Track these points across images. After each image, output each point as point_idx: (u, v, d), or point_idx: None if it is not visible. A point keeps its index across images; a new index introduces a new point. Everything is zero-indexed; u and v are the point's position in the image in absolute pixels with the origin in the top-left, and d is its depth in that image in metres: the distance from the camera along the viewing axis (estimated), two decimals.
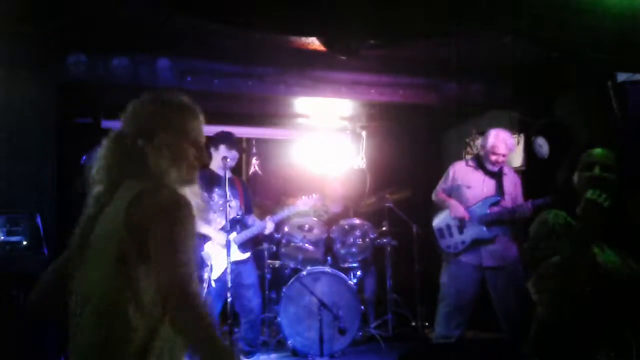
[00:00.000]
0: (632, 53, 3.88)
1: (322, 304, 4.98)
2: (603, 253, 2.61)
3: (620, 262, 2.60)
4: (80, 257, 1.70)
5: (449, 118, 6.32)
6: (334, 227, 5.60)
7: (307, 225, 5.55)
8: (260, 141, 7.05)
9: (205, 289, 4.36)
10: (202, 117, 1.85)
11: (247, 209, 4.82)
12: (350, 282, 5.24)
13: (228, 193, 4.33)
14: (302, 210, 5.16)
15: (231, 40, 4.58)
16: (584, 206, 2.59)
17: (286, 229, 5.47)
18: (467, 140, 6.44)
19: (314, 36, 4.42)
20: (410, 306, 5.93)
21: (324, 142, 6.97)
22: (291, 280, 5.12)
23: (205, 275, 4.38)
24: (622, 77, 4.49)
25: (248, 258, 4.71)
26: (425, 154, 6.72)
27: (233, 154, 4.59)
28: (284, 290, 5.10)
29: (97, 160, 1.75)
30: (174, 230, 1.60)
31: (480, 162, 4.61)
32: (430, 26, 3.93)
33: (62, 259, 1.82)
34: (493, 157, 4.48)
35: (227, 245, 4.26)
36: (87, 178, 1.78)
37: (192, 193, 1.79)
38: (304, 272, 5.14)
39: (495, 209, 4.46)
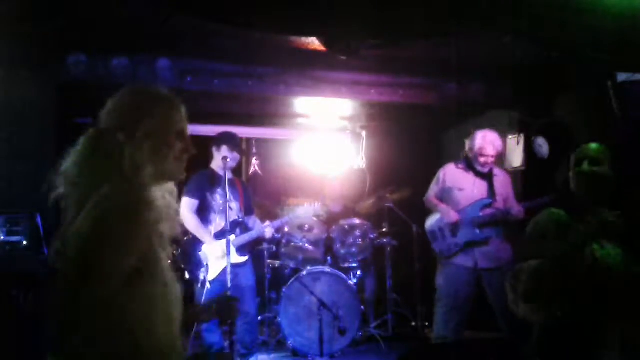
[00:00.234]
0: (632, 53, 3.88)
1: (322, 304, 4.98)
2: (602, 249, 2.63)
3: (619, 257, 2.61)
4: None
5: (449, 118, 6.31)
6: (334, 227, 5.60)
7: (307, 225, 5.55)
8: (260, 141, 7.05)
9: (201, 290, 4.36)
10: (184, 110, 1.74)
11: (248, 211, 4.80)
12: (350, 282, 5.24)
13: (228, 194, 4.30)
14: (303, 216, 5.17)
15: (231, 40, 4.58)
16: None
17: (286, 229, 5.47)
18: (467, 140, 6.43)
19: (314, 36, 4.42)
20: (410, 306, 5.92)
21: (324, 142, 6.97)
22: (291, 280, 5.12)
23: (202, 276, 4.37)
24: (622, 77, 4.50)
25: (246, 261, 4.68)
26: (425, 154, 6.70)
27: (234, 156, 4.58)
28: (284, 290, 5.10)
29: (72, 159, 1.60)
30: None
31: (470, 164, 4.62)
32: (430, 26, 3.92)
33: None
34: (482, 159, 4.50)
35: (227, 246, 4.24)
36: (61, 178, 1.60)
37: (165, 191, 1.68)
38: (304, 272, 5.14)
39: (488, 211, 4.48)
